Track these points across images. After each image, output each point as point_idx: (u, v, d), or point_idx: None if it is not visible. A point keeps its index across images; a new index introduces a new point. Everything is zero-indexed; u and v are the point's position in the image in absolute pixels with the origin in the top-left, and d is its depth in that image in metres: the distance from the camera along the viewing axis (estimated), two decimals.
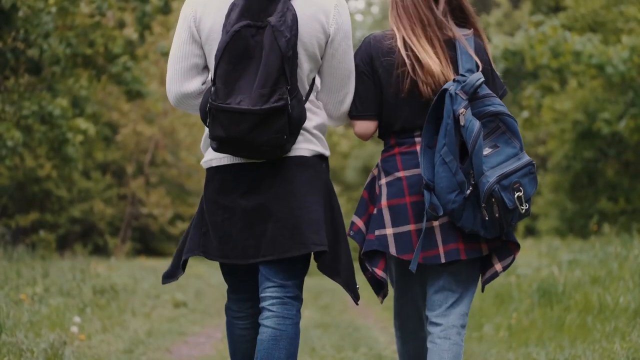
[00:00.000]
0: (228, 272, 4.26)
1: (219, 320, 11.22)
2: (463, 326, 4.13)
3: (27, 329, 7.58)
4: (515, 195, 3.84)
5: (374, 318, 11.08)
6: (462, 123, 3.83)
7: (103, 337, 8.16)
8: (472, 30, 4.15)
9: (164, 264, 18.98)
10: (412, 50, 4.03)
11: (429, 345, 4.13)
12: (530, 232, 23.85)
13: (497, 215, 3.84)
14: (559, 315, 7.97)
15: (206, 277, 17.21)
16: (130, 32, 18.62)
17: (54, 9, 14.31)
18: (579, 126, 19.24)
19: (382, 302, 4.23)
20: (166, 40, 24.18)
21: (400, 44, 4.07)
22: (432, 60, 4.00)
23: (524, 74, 22.67)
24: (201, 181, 27.97)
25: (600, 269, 10.09)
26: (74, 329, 7.86)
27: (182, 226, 27.03)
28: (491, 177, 3.80)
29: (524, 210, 3.88)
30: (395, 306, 4.41)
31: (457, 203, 3.86)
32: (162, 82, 25.83)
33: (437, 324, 4.11)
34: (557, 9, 21.64)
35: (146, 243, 27.25)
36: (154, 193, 26.20)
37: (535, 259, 13.37)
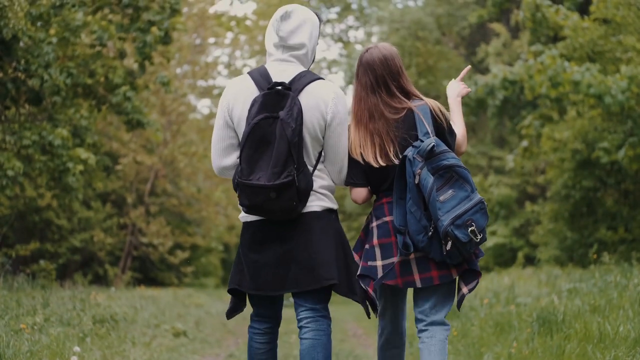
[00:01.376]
0: (255, 302, 5.41)
1: (218, 350, 11.21)
2: (447, 329, 5.34)
3: (27, 358, 7.58)
4: (469, 230, 5.00)
5: (374, 347, 11.06)
6: (416, 181, 5.05)
7: None
8: (423, 101, 5.33)
9: (164, 294, 18.95)
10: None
11: (420, 345, 5.33)
12: (530, 261, 23.81)
13: (455, 247, 5.01)
14: (559, 344, 7.97)
15: (206, 306, 17.20)
16: (131, 62, 18.69)
17: (54, 40, 14.37)
18: (578, 155, 19.27)
19: (375, 316, 5.42)
20: (166, 70, 24.27)
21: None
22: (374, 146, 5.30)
23: (523, 104, 22.75)
24: (201, 211, 28.07)
25: (600, 297, 10.10)
26: (74, 358, 7.86)
27: (182, 255, 27.00)
28: (445, 220, 4.97)
29: (478, 239, 5.05)
30: (380, 322, 5.63)
31: (424, 242, 5.07)
32: (162, 112, 25.91)
33: (424, 330, 5.34)
34: (555, 38, 21.71)
35: (146, 273, 27.20)
36: (154, 223, 26.17)
37: (535, 287, 13.38)
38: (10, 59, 13.78)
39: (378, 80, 5.33)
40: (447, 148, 5.13)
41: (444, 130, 5.31)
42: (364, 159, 5.28)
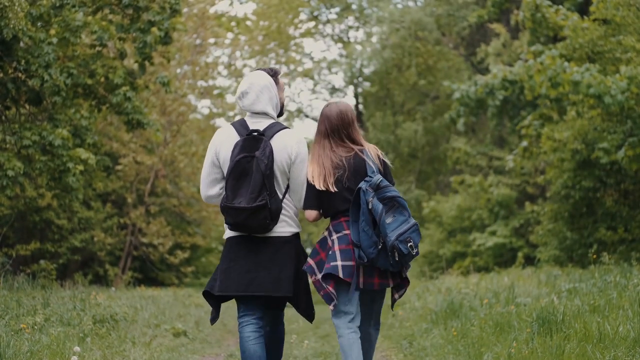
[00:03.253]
0: (240, 300, 6.75)
1: (218, 350, 11.22)
2: (377, 328, 7.05)
3: (27, 358, 7.60)
4: (408, 245, 6.48)
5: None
6: (370, 207, 6.52)
7: None
8: (365, 147, 6.84)
9: (164, 294, 18.96)
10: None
11: (360, 338, 6.76)
12: (530, 261, 23.81)
13: (397, 258, 6.50)
14: (559, 344, 7.98)
15: (206, 307, 17.20)
16: (131, 63, 18.68)
17: (54, 40, 14.37)
18: (578, 155, 19.25)
19: (332, 309, 6.72)
20: (166, 70, 24.26)
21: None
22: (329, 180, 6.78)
23: (523, 104, 22.74)
24: (201, 211, 28.11)
25: (600, 297, 10.11)
26: (74, 358, 7.87)
27: (182, 256, 27.00)
28: (392, 237, 6.44)
29: (414, 252, 6.55)
30: (334, 311, 6.86)
31: (374, 254, 6.52)
32: (163, 112, 25.91)
33: (363, 325, 6.92)
34: (555, 39, 21.72)
35: (146, 273, 27.19)
36: (154, 223, 26.17)
37: (535, 288, 13.38)
38: (10, 59, 13.80)
39: (333, 129, 6.85)
40: (388, 183, 6.67)
41: (379, 168, 6.79)
42: (314, 183, 6.68)
